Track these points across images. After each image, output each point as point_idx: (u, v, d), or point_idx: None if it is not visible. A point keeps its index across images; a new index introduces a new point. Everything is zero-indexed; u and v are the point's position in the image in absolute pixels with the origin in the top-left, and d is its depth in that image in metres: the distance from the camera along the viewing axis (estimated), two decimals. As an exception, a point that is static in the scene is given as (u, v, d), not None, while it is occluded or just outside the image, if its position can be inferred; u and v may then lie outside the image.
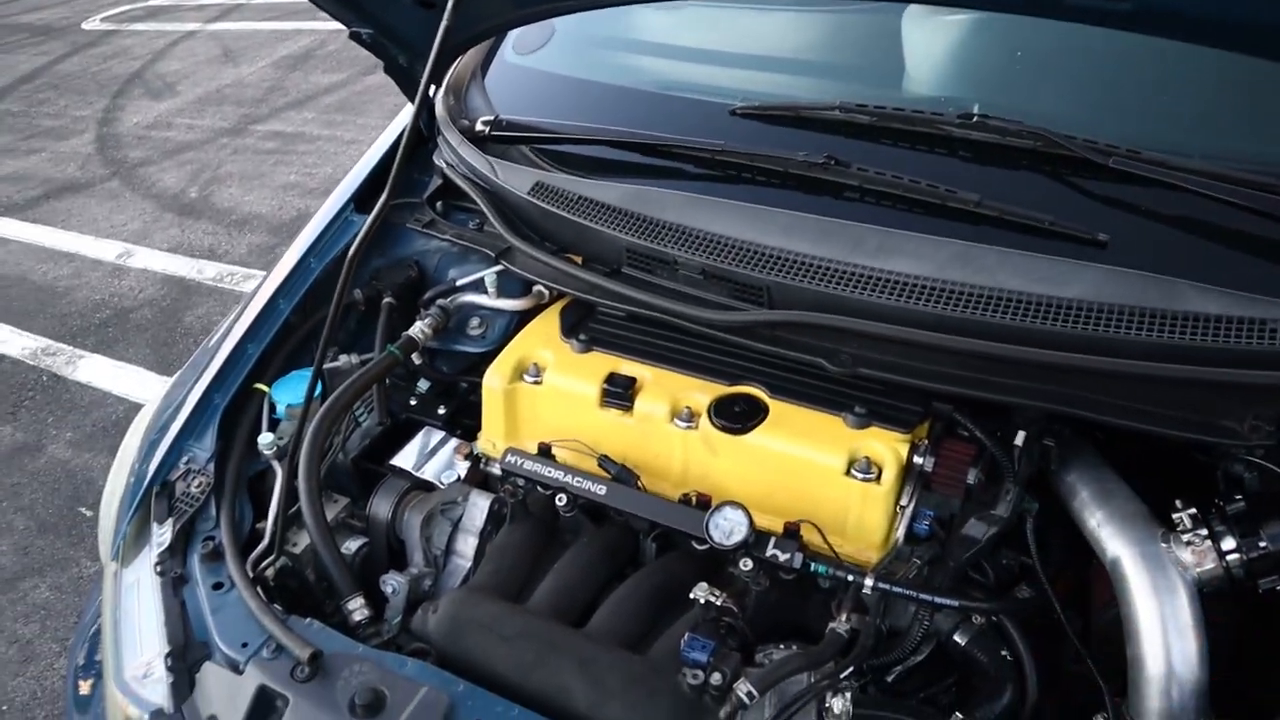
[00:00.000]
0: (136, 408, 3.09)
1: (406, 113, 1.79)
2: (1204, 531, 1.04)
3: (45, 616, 2.50)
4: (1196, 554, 1.04)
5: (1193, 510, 1.06)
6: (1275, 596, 1.04)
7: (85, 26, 7.92)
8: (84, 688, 1.48)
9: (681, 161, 1.46)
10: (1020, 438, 1.19)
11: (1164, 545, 1.06)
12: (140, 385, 3.31)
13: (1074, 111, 1.38)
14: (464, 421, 1.55)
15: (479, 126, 1.65)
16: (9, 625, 2.49)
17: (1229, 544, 1.03)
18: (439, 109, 1.70)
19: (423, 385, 1.60)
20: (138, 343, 3.55)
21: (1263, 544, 1.02)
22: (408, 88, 1.63)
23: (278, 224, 4.20)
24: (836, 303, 1.18)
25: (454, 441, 1.50)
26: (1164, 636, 1.02)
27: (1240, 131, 1.32)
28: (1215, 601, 1.04)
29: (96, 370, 3.44)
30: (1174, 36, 1.01)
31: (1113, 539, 1.10)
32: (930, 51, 1.59)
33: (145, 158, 5.11)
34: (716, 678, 1.02)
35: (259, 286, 1.66)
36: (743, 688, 1.00)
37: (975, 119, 1.31)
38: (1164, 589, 1.03)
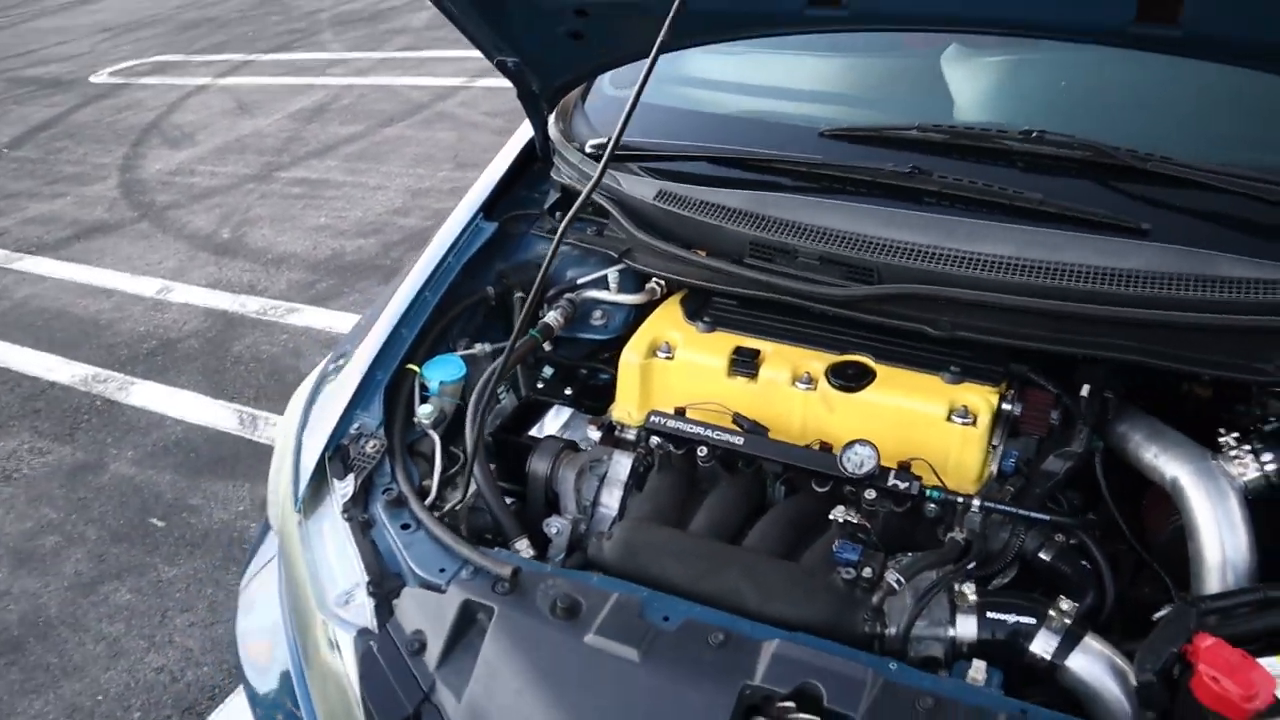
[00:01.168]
0: (195, 429, 3.29)
1: (520, 135, 2.06)
2: (1246, 448, 1.29)
3: (129, 616, 2.65)
4: (1241, 466, 1.29)
5: (1235, 434, 1.31)
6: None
7: (93, 80, 8.15)
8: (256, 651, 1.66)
9: (783, 176, 1.71)
10: (1085, 389, 1.44)
11: (1214, 462, 1.30)
12: (196, 408, 3.47)
13: (1104, 128, 1.65)
14: (585, 402, 1.77)
15: (589, 148, 1.89)
16: (94, 625, 2.63)
17: (1267, 457, 1.28)
18: (553, 133, 1.95)
19: (547, 372, 1.82)
20: (188, 370, 3.72)
21: (1286, 449, 1.27)
22: (534, 113, 1.88)
23: (314, 262, 4.40)
24: (936, 278, 1.43)
25: (583, 416, 1.71)
26: (1219, 532, 1.25)
27: (1250, 140, 1.60)
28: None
29: (150, 395, 3.61)
30: (1220, 60, 1.28)
31: (1170, 463, 1.34)
32: (971, 81, 1.87)
33: (172, 201, 5.31)
34: (867, 572, 1.24)
35: (398, 283, 1.86)
36: (891, 576, 1.22)
37: (1035, 134, 1.57)
38: (1217, 495, 1.27)
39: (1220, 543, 1.26)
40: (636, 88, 1.41)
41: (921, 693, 1.08)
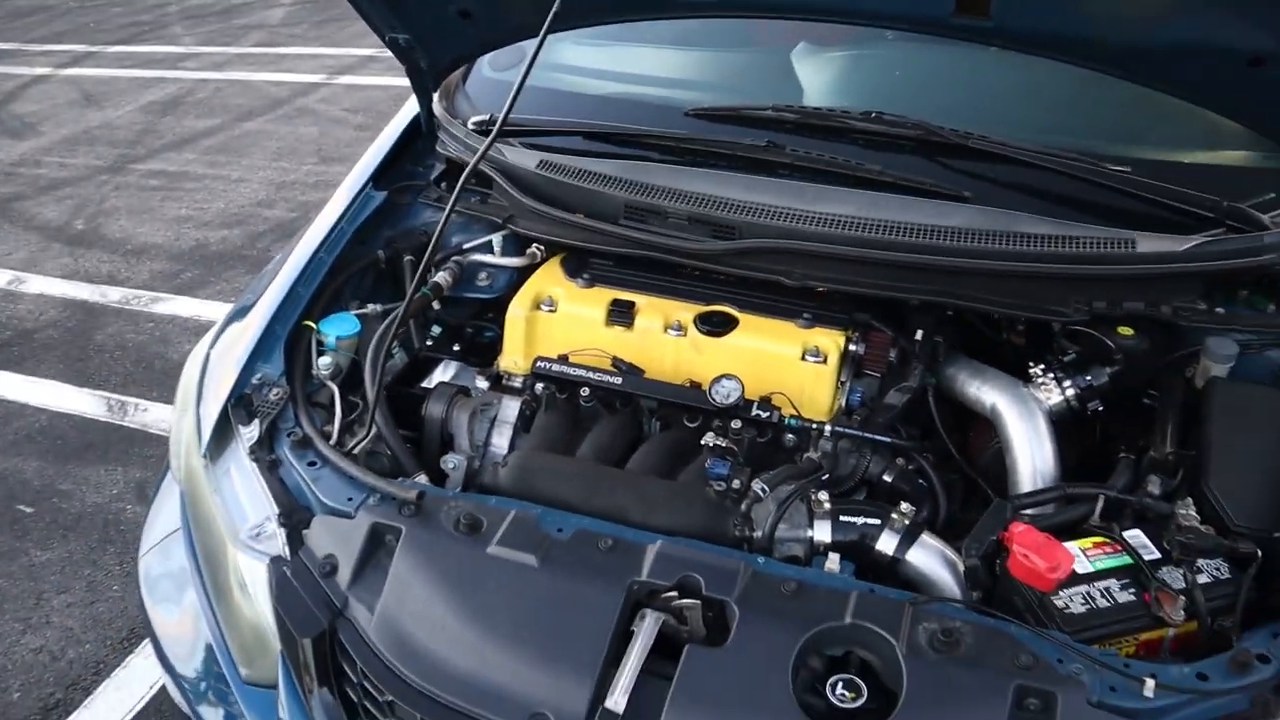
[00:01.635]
0: (60, 417, 3.25)
1: (405, 112, 2.17)
2: (1050, 377, 1.54)
3: (4, 597, 2.61)
4: (1046, 392, 1.54)
5: (1042, 366, 1.55)
6: (1096, 417, 1.54)
7: (-84, 69, 7.71)
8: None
9: (653, 149, 1.89)
10: (919, 334, 1.66)
11: (1025, 389, 1.55)
12: (60, 397, 3.42)
13: (933, 112, 1.88)
14: (472, 358, 1.90)
15: (471, 124, 2.03)
16: (-36, 608, 2.59)
17: (1067, 384, 1.53)
18: (438, 110, 2.07)
19: (436, 330, 1.95)
20: (48, 359, 3.65)
21: (1086, 379, 1.53)
22: (421, 91, 2.00)
23: (177, 253, 4.35)
24: (788, 234, 1.63)
25: (470, 370, 1.85)
26: (1030, 445, 1.50)
27: (1052, 123, 1.86)
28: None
29: (7, 385, 3.52)
30: (1026, 50, 1.52)
31: (990, 393, 1.58)
32: (816, 73, 2.10)
33: (17, 193, 5.12)
34: (736, 484, 1.42)
35: (294, 244, 1.95)
36: (756, 485, 1.41)
37: (873, 115, 1.80)
38: (1027, 415, 1.52)
39: (1030, 454, 1.51)
40: (527, 61, 1.57)
41: (786, 579, 1.27)
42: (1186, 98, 1.46)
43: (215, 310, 3.86)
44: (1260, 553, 1.30)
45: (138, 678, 2.35)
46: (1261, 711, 1.13)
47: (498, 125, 1.59)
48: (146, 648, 2.42)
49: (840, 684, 1.19)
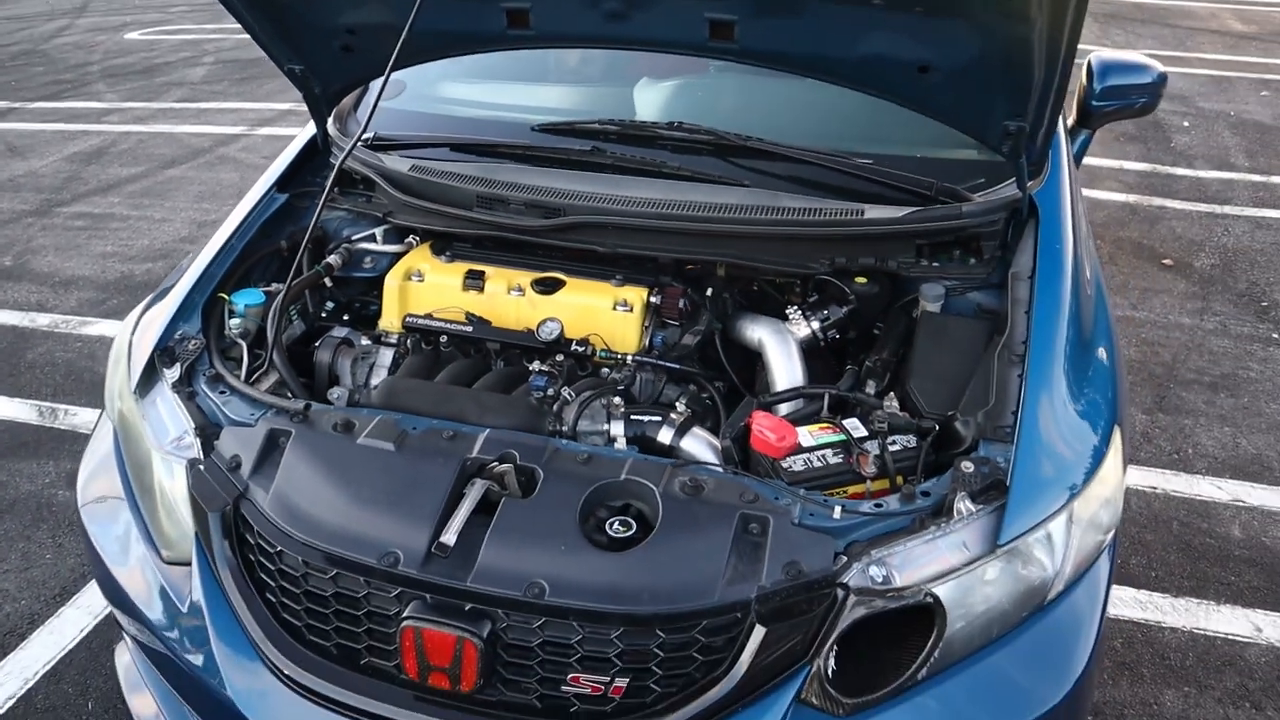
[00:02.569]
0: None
1: (307, 131, 2.60)
2: (800, 314, 2.02)
3: (-59, 569, 2.91)
4: (797, 325, 2.02)
5: (795, 307, 2.03)
6: (838, 344, 2.02)
7: None
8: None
9: (503, 156, 2.35)
10: (709, 290, 2.13)
11: (782, 324, 2.02)
12: (-8, 406, 3.71)
13: (723, 123, 2.36)
14: (359, 328, 2.32)
15: (360, 140, 2.47)
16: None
17: (813, 320, 2.01)
18: (330, 129, 2.51)
19: (329, 305, 2.36)
20: (-20, 375, 3.94)
21: (826, 315, 2.01)
22: (316, 113, 2.43)
23: (104, 283, 4.67)
24: (604, 212, 2.09)
25: (355, 334, 2.26)
26: (783, 364, 1.97)
27: (815, 129, 2.37)
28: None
29: (-59, 397, 3.80)
30: (766, 65, 2.01)
31: (758, 329, 2.05)
32: (651, 99, 2.59)
33: (-56, 235, 5.40)
34: (551, 391, 1.86)
35: (212, 238, 2.35)
36: (565, 392, 1.85)
37: (676, 125, 2.29)
38: (782, 343, 1.99)
39: (784, 370, 1.98)
40: (382, 81, 2.03)
41: (580, 452, 1.70)
42: (885, 98, 1.96)
43: (138, 330, 4.20)
44: (938, 427, 1.77)
45: (69, 624, 2.66)
46: (919, 525, 1.58)
47: (360, 129, 2.07)
48: (78, 600, 2.75)
49: (616, 522, 1.62)
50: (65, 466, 3.32)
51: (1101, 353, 1.96)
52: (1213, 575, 2.70)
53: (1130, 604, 2.60)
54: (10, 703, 2.44)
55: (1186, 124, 6.45)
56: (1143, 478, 3.06)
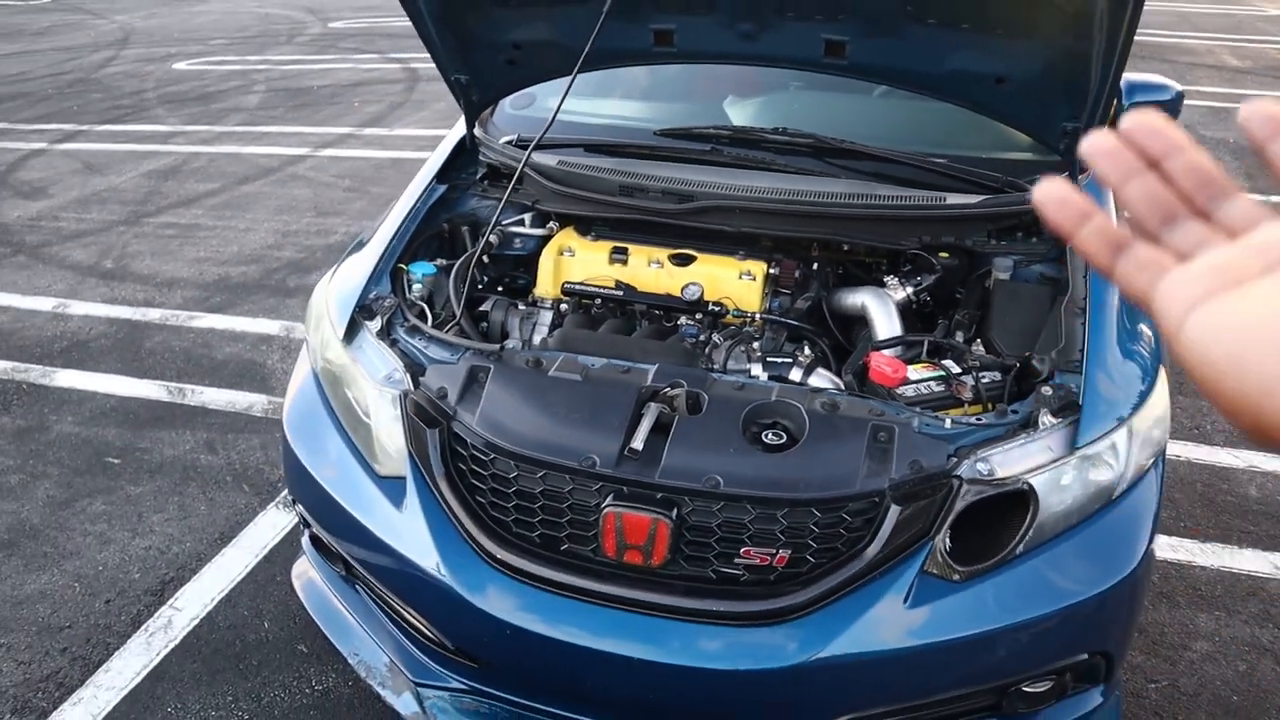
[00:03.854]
0: (128, 399, 3.95)
1: (453, 134, 3.02)
2: (896, 281, 2.44)
3: (109, 518, 3.29)
4: (894, 290, 2.43)
5: (892, 276, 2.45)
6: (926, 305, 2.44)
7: (-86, 143, 8.33)
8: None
9: (630, 156, 2.77)
10: (815, 265, 2.55)
11: (882, 290, 2.44)
12: (123, 386, 4.10)
13: (820, 129, 2.80)
14: (508, 297, 2.73)
15: (502, 142, 2.89)
16: (79, 526, 3.26)
17: (907, 286, 2.43)
18: (478, 133, 2.93)
19: (483, 280, 2.78)
20: (106, 360, 4.33)
21: (917, 280, 2.43)
22: (470, 116, 2.86)
23: (203, 284, 5.09)
24: (728, 198, 2.51)
25: (506, 301, 2.67)
26: (885, 320, 2.39)
27: (898, 133, 2.80)
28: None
29: (75, 379, 4.19)
30: (875, 80, 2.45)
31: (861, 295, 2.47)
32: (740, 111, 3.03)
33: (44, 240, 5.81)
34: (702, 338, 2.27)
35: (386, 215, 2.76)
36: (715, 337, 2.26)
37: (781, 130, 2.72)
38: (883, 305, 2.41)
39: (885, 324, 2.39)
40: (561, 96, 2.45)
41: (735, 381, 2.11)
42: (965, 105, 2.39)
43: (249, 325, 4.61)
44: (1018, 364, 2.19)
45: (234, 562, 3.05)
46: (1011, 434, 1.99)
47: (539, 135, 2.49)
48: (239, 541, 3.13)
49: (770, 434, 2.02)
50: (201, 436, 3.71)
51: (1143, 326, 2.39)
52: (1235, 525, 3.10)
53: (1164, 548, 2.99)
54: (195, 623, 2.82)
55: (1190, 151, 6.92)
56: (1168, 450, 3.47)
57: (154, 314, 4.77)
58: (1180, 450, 3.50)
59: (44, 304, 4.95)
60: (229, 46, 12.31)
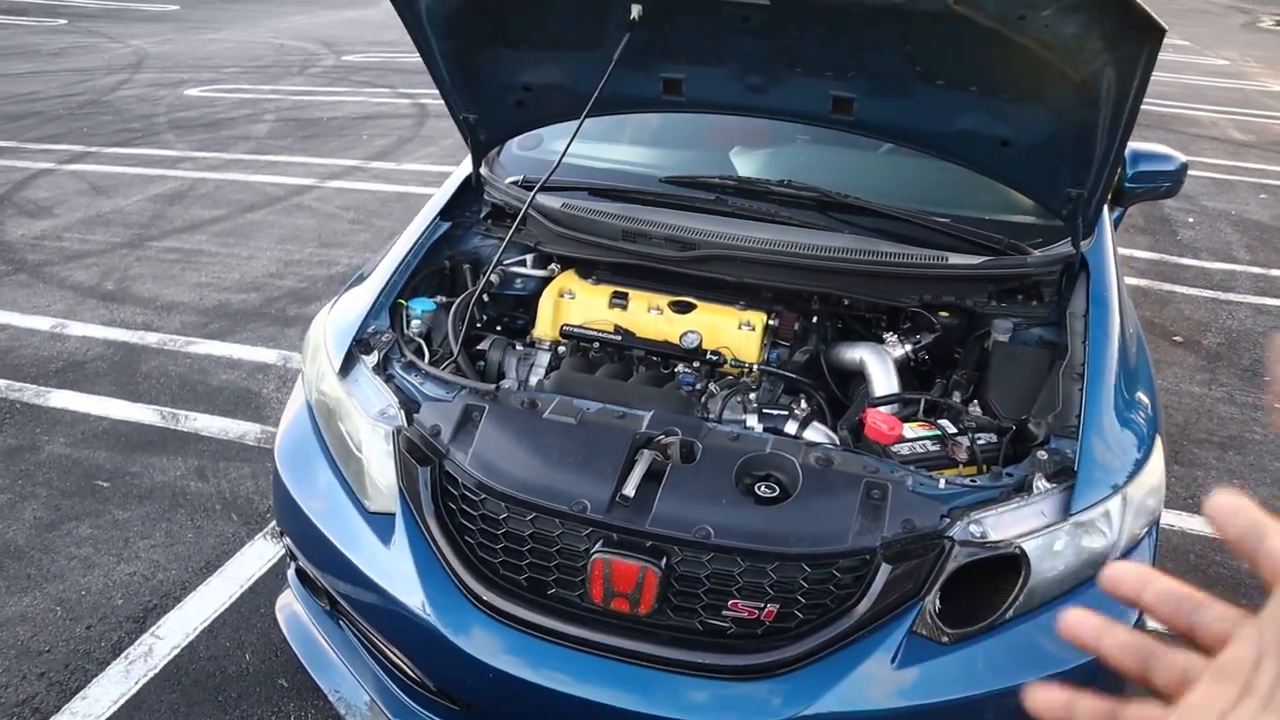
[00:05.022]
0: (120, 423, 3.94)
1: (459, 172, 3.04)
2: (895, 338, 2.44)
3: (95, 542, 3.26)
4: (893, 347, 2.44)
5: (892, 333, 2.46)
6: (924, 363, 2.44)
7: (-77, 158, 8.36)
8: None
9: (634, 202, 2.79)
10: (815, 319, 2.56)
11: (881, 346, 2.44)
12: (117, 409, 4.09)
13: (824, 182, 2.82)
14: (506, 337, 2.73)
15: (507, 182, 2.91)
16: (64, 549, 3.23)
17: (906, 344, 2.43)
18: (484, 172, 2.95)
19: (482, 319, 2.78)
20: (101, 382, 4.32)
21: (917, 340, 2.43)
22: (477, 156, 2.88)
23: (203, 309, 5.09)
24: (731, 249, 2.52)
25: (504, 341, 2.67)
26: (883, 378, 2.38)
27: (901, 191, 2.82)
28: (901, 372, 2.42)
29: (68, 400, 4.18)
30: (881, 138, 2.47)
31: (859, 351, 2.47)
32: (746, 162, 3.05)
33: (45, 260, 5.81)
34: (698, 386, 2.27)
35: (388, 249, 2.77)
36: (712, 386, 2.25)
37: (785, 182, 2.74)
38: (881, 361, 2.41)
39: (882, 381, 2.39)
40: (568, 140, 2.48)
41: (730, 432, 2.10)
42: (972, 168, 2.41)
43: (246, 353, 4.60)
44: (1014, 427, 2.18)
45: (218, 592, 3.01)
46: (1005, 497, 1.98)
47: (544, 177, 2.50)
48: (225, 571, 3.10)
49: (762, 486, 2.01)
50: (193, 463, 3.69)
51: (1142, 377, 2.39)
52: (1227, 598, 3.07)
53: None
54: (175, 652, 2.78)
55: (1191, 220, 6.98)
56: (1161, 518, 3.45)
57: (152, 338, 4.76)
58: (1174, 520, 3.48)
59: (42, 323, 4.94)
60: (241, 75, 12.43)
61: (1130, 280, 5.77)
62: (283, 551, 3.18)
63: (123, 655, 2.77)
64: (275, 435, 2.54)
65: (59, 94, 11.16)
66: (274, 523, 3.31)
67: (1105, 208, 2.92)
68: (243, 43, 15.48)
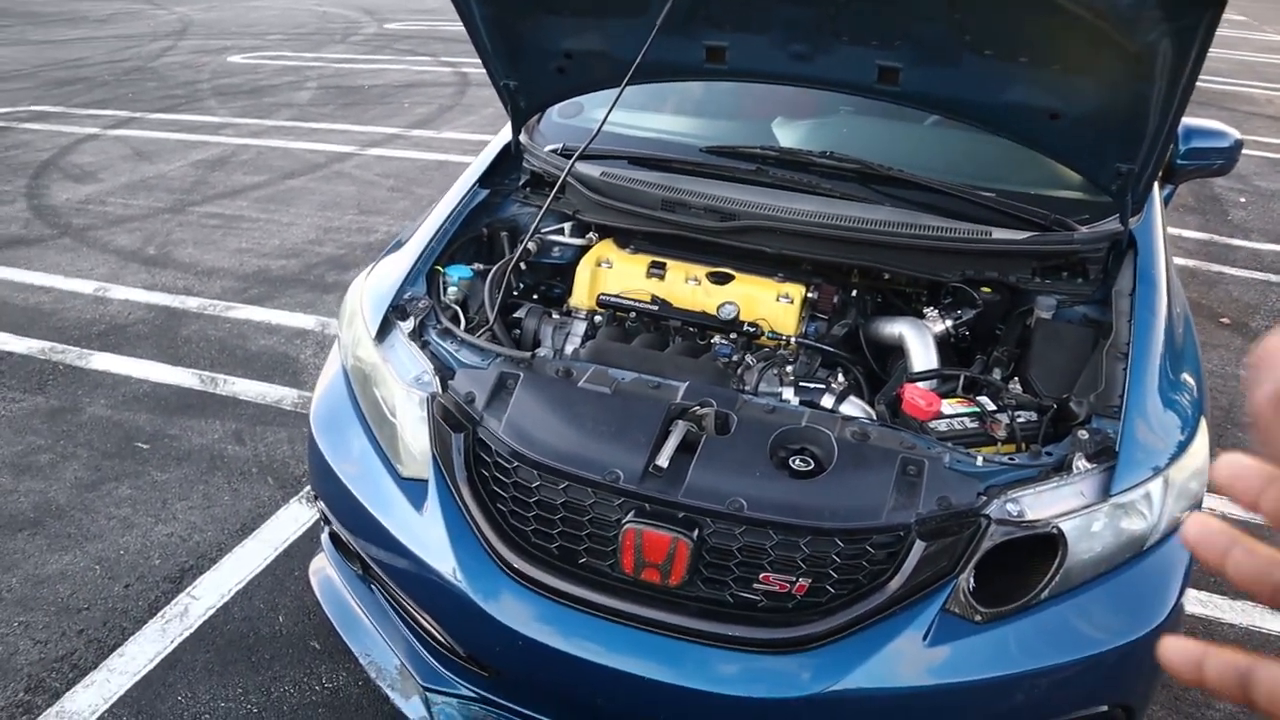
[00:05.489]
0: (160, 385, 3.98)
1: (498, 140, 3.03)
2: (935, 313, 2.40)
3: (134, 503, 3.31)
4: (933, 322, 2.39)
5: (932, 308, 2.41)
6: (965, 339, 2.40)
7: (-27, 122, 8.50)
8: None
9: (675, 171, 2.76)
10: (854, 291, 2.52)
11: (921, 321, 2.40)
12: (157, 372, 4.14)
13: (867, 154, 2.77)
14: (542, 306, 2.72)
15: (547, 150, 2.89)
16: (104, 509, 3.28)
17: (947, 319, 2.39)
18: (524, 139, 2.93)
19: (519, 287, 2.77)
20: (142, 346, 4.37)
21: (959, 316, 2.39)
22: (517, 123, 2.86)
23: (242, 275, 5.13)
24: (771, 221, 2.49)
25: (540, 308, 2.66)
26: (922, 353, 2.34)
27: (947, 165, 2.76)
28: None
29: (110, 362, 4.23)
30: (926, 109, 2.42)
31: (899, 325, 2.43)
32: (787, 133, 3.01)
33: (90, 224, 5.89)
34: (735, 358, 2.25)
35: (426, 216, 2.77)
36: (749, 358, 2.23)
37: (828, 154, 2.69)
38: (921, 335, 2.37)
39: (921, 356, 2.35)
40: (608, 108, 2.45)
41: (766, 404, 2.08)
42: (1016, 140, 2.35)
43: (284, 318, 4.63)
44: (1055, 406, 2.14)
45: (253, 554, 3.05)
46: (1044, 476, 1.94)
47: (584, 145, 2.47)
48: (260, 534, 3.14)
49: (797, 460, 1.99)
50: (230, 426, 3.73)
51: (1188, 359, 2.33)
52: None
53: (1192, 602, 2.92)
54: (210, 613, 2.82)
55: (1243, 200, 6.82)
56: (1204, 501, 3.39)
57: (192, 302, 4.81)
58: (1215, 504, 3.41)
59: (85, 287, 5.01)
60: (284, 42, 12.48)
61: (1178, 260, 5.65)
62: (317, 516, 3.21)
63: (159, 615, 2.81)
64: (311, 400, 2.55)
65: (105, 60, 11.28)
66: (309, 487, 3.35)
67: (1155, 185, 2.85)
68: (286, 10, 15.54)
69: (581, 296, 2.61)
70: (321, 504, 2.46)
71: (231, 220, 5.92)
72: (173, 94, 9.50)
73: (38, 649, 2.67)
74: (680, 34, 2.38)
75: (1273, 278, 5.52)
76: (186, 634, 2.73)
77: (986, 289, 2.48)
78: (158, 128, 8.15)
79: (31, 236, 5.71)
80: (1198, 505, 2.10)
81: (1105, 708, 1.97)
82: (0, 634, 2.72)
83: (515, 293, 2.75)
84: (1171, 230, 6.03)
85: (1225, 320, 4.93)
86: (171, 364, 4.20)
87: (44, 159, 7.32)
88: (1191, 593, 2.91)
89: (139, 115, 8.60)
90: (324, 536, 2.62)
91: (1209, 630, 2.84)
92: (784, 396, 2.25)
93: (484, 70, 2.67)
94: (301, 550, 3.05)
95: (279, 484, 3.40)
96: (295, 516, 3.23)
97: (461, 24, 2.51)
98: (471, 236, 2.77)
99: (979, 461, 1.96)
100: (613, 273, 2.60)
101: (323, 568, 2.65)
